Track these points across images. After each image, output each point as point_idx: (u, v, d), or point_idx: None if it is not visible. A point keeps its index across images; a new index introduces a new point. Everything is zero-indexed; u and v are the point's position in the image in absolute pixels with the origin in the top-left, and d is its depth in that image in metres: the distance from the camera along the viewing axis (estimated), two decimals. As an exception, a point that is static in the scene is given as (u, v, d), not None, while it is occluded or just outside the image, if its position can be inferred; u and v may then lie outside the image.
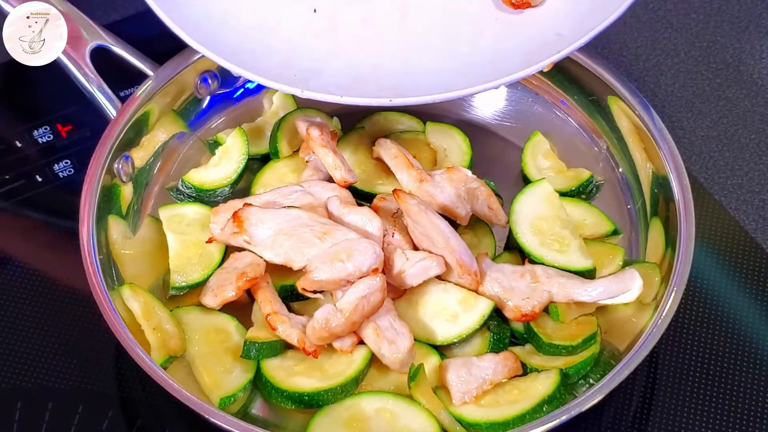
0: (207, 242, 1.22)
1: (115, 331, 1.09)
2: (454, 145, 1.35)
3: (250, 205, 1.20)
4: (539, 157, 1.34)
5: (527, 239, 1.23)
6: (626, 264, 1.22)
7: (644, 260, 1.24)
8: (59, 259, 1.29)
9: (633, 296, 1.15)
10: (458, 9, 1.15)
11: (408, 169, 1.25)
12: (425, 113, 1.38)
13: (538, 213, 1.25)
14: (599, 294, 1.16)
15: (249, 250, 1.18)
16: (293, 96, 1.38)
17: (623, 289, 1.15)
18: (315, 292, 1.14)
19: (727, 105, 1.52)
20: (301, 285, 1.13)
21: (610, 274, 1.19)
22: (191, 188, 1.29)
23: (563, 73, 1.35)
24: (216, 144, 1.34)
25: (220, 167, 1.31)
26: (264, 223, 1.18)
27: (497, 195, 1.27)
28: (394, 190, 1.20)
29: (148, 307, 1.15)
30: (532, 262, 1.21)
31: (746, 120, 1.50)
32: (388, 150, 1.28)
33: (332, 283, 1.13)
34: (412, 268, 1.16)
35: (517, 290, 1.18)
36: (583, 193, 1.31)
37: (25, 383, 1.20)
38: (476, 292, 1.17)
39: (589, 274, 1.21)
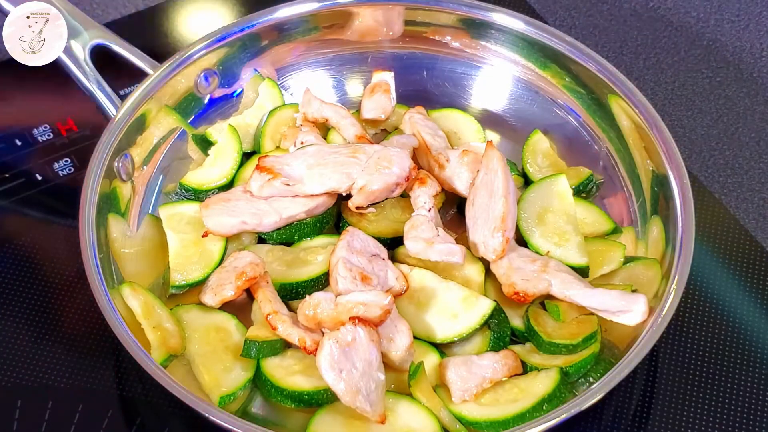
0: (203, 236, 1.22)
1: (115, 330, 1.09)
2: (462, 123, 1.35)
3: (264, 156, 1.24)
4: (539, 155, 1.34)
5: (529, 226, 1.24)
6: (627, 261, 1.22)
7: (641, 257, 1.23)
8: (59, 257, 1.29)
9: (634, 320, 1.13)
10: None
11: (426, 156, 1.28)
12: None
13: (547, 204, 1.25)
14: (595, 302, 1.15)
15: (287, 195, 1.22)
16: (280, 90, 1.38)
17: (623, 308, 1.13)
18: (366, 207, 1.22)
19: (727, 103, 1.52)
20: (354, 203, 1.21)
21: (617, 289, 1.18)
22: (190, 191, 1.29)
23: (563, 72, 1.35)
24: (203, 139, 1.34)
25: (216, 167, 1.31)
26: (293, 161, 1.23)
27: (518, 175, 1.30)
28: (488, 141, 1.23)
29: (148, 305, 1.15)
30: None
31: (746, 118, 1.50)
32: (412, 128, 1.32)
33: (385, 190, 1.21)
34: (438, 244, 1.17)
35: (521, 271, 1.18)
36: (583, 191, 1.31)
37: (26, 382, 1.20)
38: (490, 262, 1.20)
39: (581, 272, 1.21)
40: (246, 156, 1.33)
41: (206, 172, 1.30)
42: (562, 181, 1.27)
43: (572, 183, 1.29)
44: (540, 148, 1.35)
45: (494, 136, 1.39)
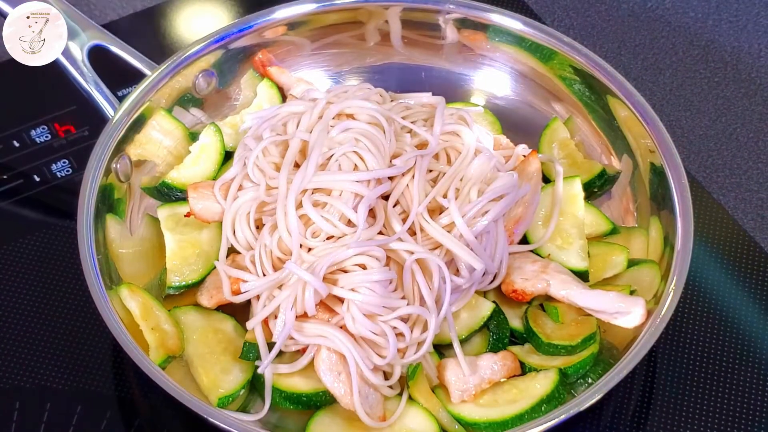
0: (185, 216, 1.22)
1: (113, 331, 1.09)
2: (477, 117, 1.34)
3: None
4: (555, 145, 1.33)
5: (534, 228, 1.24)
6: (631, 264, 1.22)
7: (645, 259, 1.23)
8: (57, 259, 1.29)
9: (632, 323, 1.12)
10: None
11: None
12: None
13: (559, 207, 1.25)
14: (593, 303, 1.14)
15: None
16: (278, 90, 1.38)
17: (621, 310, 1.12)
18: None
19: (726, 104, 1.52)
20: None
21: (616, 290, 1.17)
22: (173, 189, 1.27)
23: (561, 73, 1.35)
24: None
25: (198, 166, 1.29)
26: None
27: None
28: (532, 150, 1.24)
29: (147, 307, 1.15)
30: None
31: (744, 119, 1.50)
32: None
33: None
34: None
35: (522, 270, 1.18)
36: (594, 186, 1.30)
37: (24, 383, 1.20)
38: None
39: (581, 276, 1.20)
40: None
41: (188, 171, 1.29)
42: (576, 184, 1.26)
43: (584, 178, 1.29)
44: (558, 136, 1.34)
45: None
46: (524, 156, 1.28)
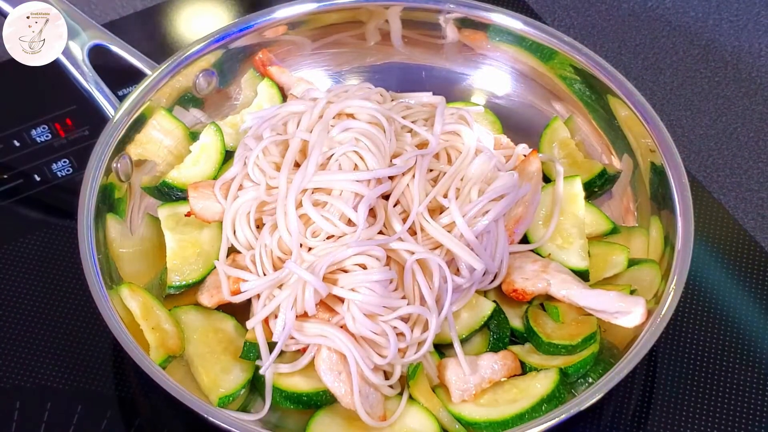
0: (186, 215, 1.22)
1: (114, 331, 1.09)
2: (478, 116, 1.34)
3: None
4: (556, 145, 1.33)
5: (535, 227, 1.24)
6: (631, 264, 1.22)
7: (645, 259, 1.23)
8: (58, 258, 1.29)
9: (632, 322, 1.12)
10: None
11: None
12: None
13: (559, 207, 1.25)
14: (593, 303, 1.14)
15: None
16: (278, 89, 1.38)
17: (622, 309, 1.12)
18: None
19: (726, 103, 1.52)
20: None
21: (616, 290, 1.17)
22: (173, 188, 1.27)
23: (562, 72, 1.35)
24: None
25: (198, 166, 1.29)
26: None
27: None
28: (533, 150, 1.24)
29: (147, 306, 1.15)
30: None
31: (745, 118, 1.50)
32: None
33: None
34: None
35: (522, 270, 1.18)
36: (594, 186, 1.30)
37: (24, 383, 1.20)
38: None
39: (581, 275, 1.20)
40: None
41: (188, 170, 1.29)
42: (576, 183, 1.26)
43: (584, 178, 1.29)
44: (558, 136, 1.34)
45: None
46: (524, 155, 1.28)
